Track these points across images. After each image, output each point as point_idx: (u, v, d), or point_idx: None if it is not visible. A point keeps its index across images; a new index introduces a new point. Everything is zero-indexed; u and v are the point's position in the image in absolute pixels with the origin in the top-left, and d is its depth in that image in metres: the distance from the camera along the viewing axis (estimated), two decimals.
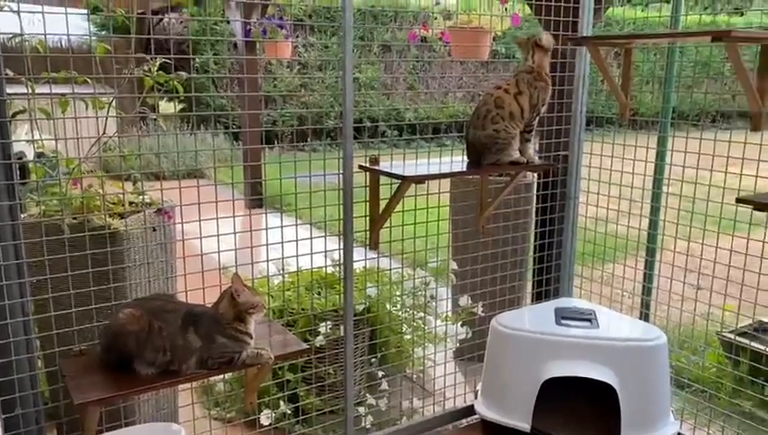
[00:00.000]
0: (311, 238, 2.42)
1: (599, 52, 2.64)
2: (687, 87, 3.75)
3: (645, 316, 3.02)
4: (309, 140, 3.03)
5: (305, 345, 2.12)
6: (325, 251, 2.52)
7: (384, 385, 2.85)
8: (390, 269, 2.76)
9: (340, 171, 2.35)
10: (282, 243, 2.35)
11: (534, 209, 3.20)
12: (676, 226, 2.79)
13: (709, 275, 2.62)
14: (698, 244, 2.66)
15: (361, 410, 2.73)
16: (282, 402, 2.61)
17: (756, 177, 2.46)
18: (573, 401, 2.66)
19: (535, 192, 3.18)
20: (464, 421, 2.88)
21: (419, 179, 2.29)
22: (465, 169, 2.45)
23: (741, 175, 2.51)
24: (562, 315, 2.75)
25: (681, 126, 3.60)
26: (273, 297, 2.76)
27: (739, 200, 2.16)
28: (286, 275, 2.79)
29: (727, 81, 5.32)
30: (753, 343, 3.02)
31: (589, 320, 2.71)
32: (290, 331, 2.51)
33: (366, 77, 10.79)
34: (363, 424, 2.71)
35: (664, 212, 2.92)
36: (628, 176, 2.88)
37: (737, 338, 3.10)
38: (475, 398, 2.83)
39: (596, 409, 2.57)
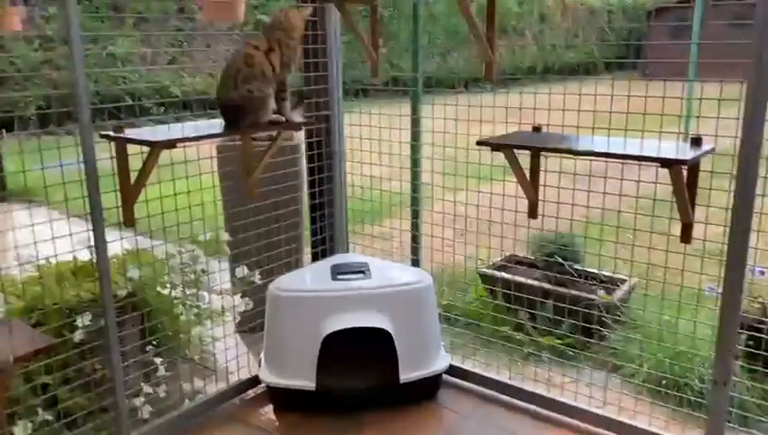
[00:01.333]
0: (50, 221, 2.15)
1: (345, 9, 2.67)
2: (441, 54, 3.99)
3: (415, 263, 3.20)
4: (55, 123, 2.68)
5: (53, 341, 1.88)
6: (70, 233, 2.25)
7: (162, 371, 2.66)
8: (152, 247, 2.57)
9: (78, 143, 2.11)
10: (13, 229, 2.05)
11: (304, 171, 3.19)
12: (438, 185, 2.98)
13: (473, 218, 2.84)
14: (462, 195, 2.88)
15: (137, 401, 2.53)
16: (39, 409, 2.31)
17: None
18: (355, 352, 2.74)
19: (304, 153, 3.17)
20: (250, 392, 2.82)
21: (170, 144, 2.13)
22: (221, 132, 2.34)
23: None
24: (338, 271, 2.80)
25: (441, 91, 3.80)
26: (18, 297, 2.43)
27: (479, 143, 2.35)
28: (33, 269, 2.46)
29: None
30: (504, 274, 3.37)
31: (362, 272, 2.79)
32: (40, 329, 2.23)
33: (122, 51, 9.93)
34: (140, 415, 2.52)
35: (431, 175, 3.10)
36: (394, 139, 3.02)
37: (493, 271, 3.43)
38: (259, 367, 2.79)
39: (377, 355, 2.67)
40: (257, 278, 2.91)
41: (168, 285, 2.71)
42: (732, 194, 2.08)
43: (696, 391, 2.58)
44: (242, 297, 2.94)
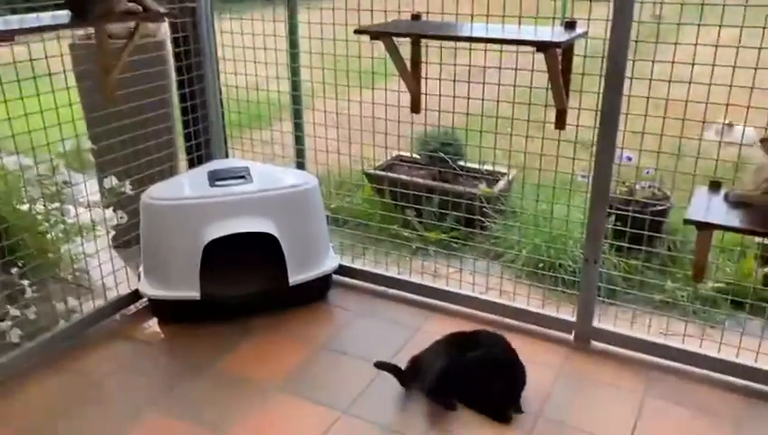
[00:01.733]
0: None
1: None
2: None
3: (300, 166, 3.11)
4: None
5: None
6: None
7: (30, 293, 2.47)
8: (1, 158, 2.30)
9: None
10: None
11: (172, 71, 2.94)
12: (319, 81, 2.84)
13: (356, 116, 2.76)
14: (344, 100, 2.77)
15: (4, 325, 2.35)
16: None
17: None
18: (242, 259, 2.67)
19: (171, 51, 2.91)
20: (131, 308, 2.69)
21: (6, 36, 1.86)
22: (68, 23, 2.07)
23: None
24: (216, 177, 2.66)
25: None
26: None
27: (357, 31, 2.24)
28: None
29: None
30: (389, 173, 3.36)
31: (243, 177, 2.67)
32: None
33: None
34: (9, 339, 2.34)
35: (310, 72, 2.96)
36: (269, 46, 2.84)
37: (379, 172, 3.41)
38: (139, 280, 2.65)
39: (265, 260, 2.61)
40: (128, 189, 2.71)
41: (26, 200, 2.47)
42: (602, 78, 2.13)
43: (569, 271, 2.74)
44: (114, 210, 2.75)
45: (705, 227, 1.88)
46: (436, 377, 2.10)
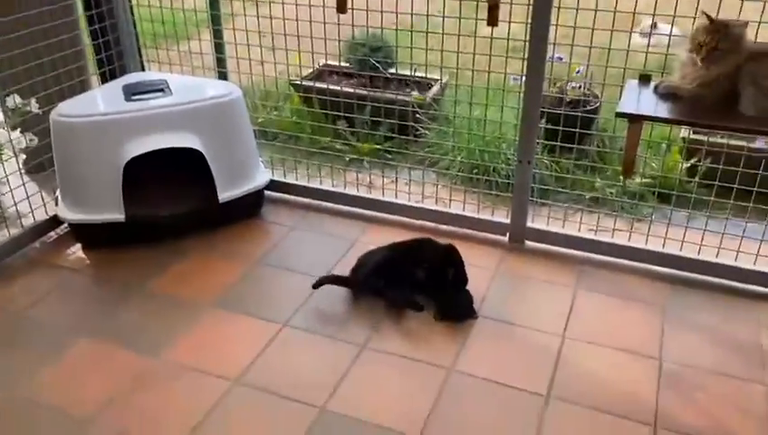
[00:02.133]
0: None
1: None
2: None
3: (222, 76, 2.94)
4: None
5: None
6: None
7: None
8: None
9: None
10: None
11: None
12: None
13: (279, 18, 2.59)
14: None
15: None
16: None
17: None
18: (169, 177, 2.54)
19: None
20: (52, 234, 2.54)
21: None
22: None
23: None
24: (132, 91, 2.48)
25: None
26: None
27: None
28: None
29: None
30: (318, 83, 3.23)
31: (161, 90, 2.50)
32: None
33: None
34: None
35: None
36: None
37: (307, 82, 3.27)
38: (56, 205, 2.49)
39: (193, 177, 2.49)
40: (34, 107, 2.50)
41: None
42: None
43: (503, 174, 2.75)
44: (21, 132, 2.54)
45: (636, 119, 1.88)
46: (370, 268, 2.16)
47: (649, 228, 2.34)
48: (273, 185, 2.75)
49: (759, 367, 1.89)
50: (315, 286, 2.17)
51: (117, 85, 2.54)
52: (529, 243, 2.46)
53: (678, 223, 2.34)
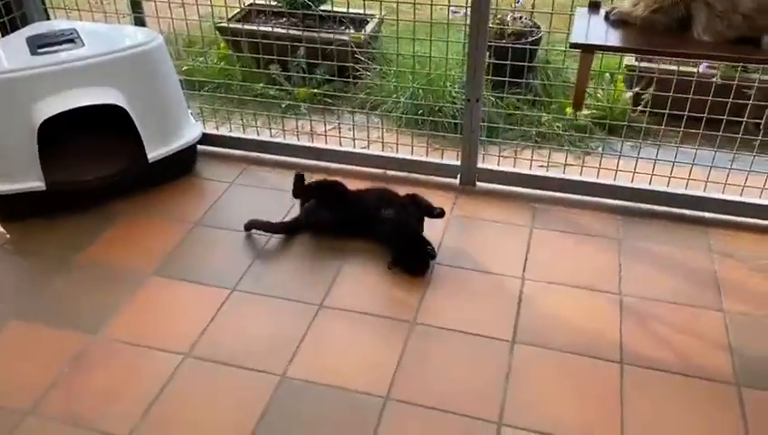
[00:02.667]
0: None
1: None
2: None
3: (139, 21, 2.69)
4: None
5: None
6: None
7: None
8: None
9: None
10: None
11: None
12: None
13: None
14: None
15: None
16: None
17: None
18: (90, 137, 2.32)
19: None
20: None
21: None
22: None
23: None
24: (38, 44, 2.22)
25: None
26: None
27: None
28: None
29: None
30: (245, 25, 3.01)
31: (71, 41, 2.25)
32: None
33: None
34: None
35: None
36: None
37: (234, 25, 3.04)
38: None
39: (118, 138, 2.29)
40: None
41: None
42: None
43: (450, 114, 2.65)
44: None
45: (588, 50, 1.80)
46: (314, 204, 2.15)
47: (600, 162, 2.31)
48: (205, 139, 2.57)
49: (715, 293, 1.91)
50: (246, 228, 2.13)
51: (20, 37, 2.27)
52: (480, 184, 2.39)
53: (628, 154, 2.32)
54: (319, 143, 2.58)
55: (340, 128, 2.59)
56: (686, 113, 2.16)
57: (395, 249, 2.01)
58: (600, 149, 2.52)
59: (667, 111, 2.21)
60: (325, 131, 2.62)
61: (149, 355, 1.73)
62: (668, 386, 1.62)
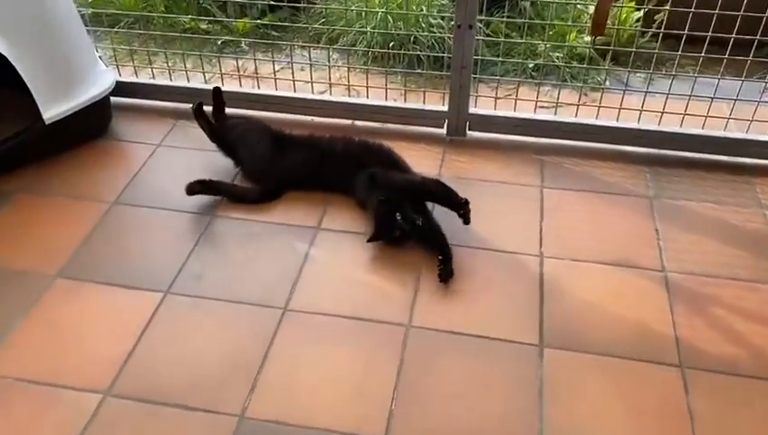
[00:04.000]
0: None
1: None
2: None
3: None
4: None
5: None
6: None
7: None
8: None
9: None
10: None
11: None
12: None
13: None
14: None
15: None
16: None
17: None
18: None
19: None
20: None
21: None
22: None
23: None
24: None
25: None
26: None
27: None
28: None
29: None
30: None
31: None
32: None
33: None
34: None
35: None
36: None
37: None
38: None
39: (3, 94, 1.75)
40: None
41: None
42: None
43: (427, 46, 2.16)
44: None
45: None
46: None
47: (621, 102, 1.86)
48: (121, 89, 2.02)
49: None
50: (189, 193, 1.67)
51: None
52: (472, 133, 1.94)
53: (639, 89, 1.89)
54: (267, 89, 2.06)
55: (292, 68, 2.07)
56: (709, 34, 1.70)
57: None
58: (607, 82, 2.09)
59: (686, 32, 1.74)
60: (274, 73, 2.09)
61: (54, 397, 1.26)
62: (745, 392, 1.26)
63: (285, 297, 1.45)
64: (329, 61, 2.14)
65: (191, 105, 1.82)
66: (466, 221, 1.55)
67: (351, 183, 1.65)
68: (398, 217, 1.50)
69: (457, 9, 1.71)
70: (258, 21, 2.34)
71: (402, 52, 2.14)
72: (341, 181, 1.67)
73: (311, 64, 2.06)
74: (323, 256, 1.55)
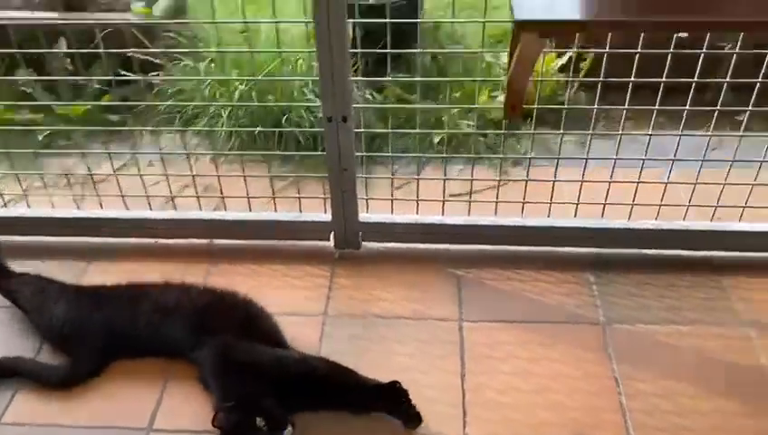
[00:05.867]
0: None
1: None
2: None
3: None
4: None
5: None
6: None
7: None
8: None
9: None
10: None
11: None
12: None
13: None
14: None
15: None
16: None
17: None
18: None
19: None
20: None
21: None
22: None
23: None
24: None
25: None
26: None
27: None
28: None
29: None
30: None
31: None
32: None
33: None
34: None
35: None
36: None
37: None
38: None
39: None
40: None
41: None
42: None
43: (306, 124, 1.70)
44: None
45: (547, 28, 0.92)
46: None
47: (555, 173, 1.42)
48: None
49: None
50: None
51: None
52: (367, 244, 1.49)
53: (587, 156, 1.46)
54: (93, 208, 1.53)
55: (138, 164, 1.56)
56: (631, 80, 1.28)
57: None
58: (532, 152, 1.67)
59: (601, 79, 1.31)
60: (115, 174, 1.56)
61: None
62: None
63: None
64: (186, 147, 1.64)
65: None
66: (410, 422, 1.09)
67: (191, 357, 1.17)
68: (261, 424, 1.03)
69: (324, 96, 1.25)
70: (94, 103, 1.83)
71: (269, 129, 1.66)
72: (177, 348, 1.19)
73: (162, 154, 1.53)
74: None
